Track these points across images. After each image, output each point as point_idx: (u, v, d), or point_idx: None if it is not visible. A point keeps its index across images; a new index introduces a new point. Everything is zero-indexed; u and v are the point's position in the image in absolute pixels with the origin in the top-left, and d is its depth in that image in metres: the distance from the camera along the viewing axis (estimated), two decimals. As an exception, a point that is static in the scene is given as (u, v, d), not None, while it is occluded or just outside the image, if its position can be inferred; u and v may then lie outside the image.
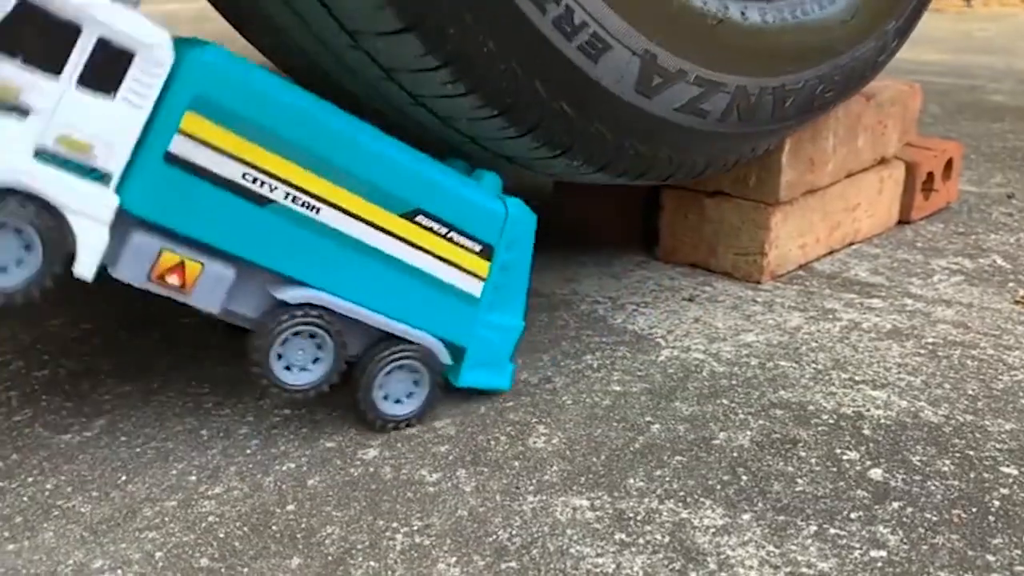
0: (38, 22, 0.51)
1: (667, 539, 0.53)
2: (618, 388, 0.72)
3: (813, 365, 0.77)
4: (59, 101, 0.52)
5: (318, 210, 0.59)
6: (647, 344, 0.81)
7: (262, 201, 0.58)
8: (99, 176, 0.54)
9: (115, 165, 0.54)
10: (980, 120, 1.85)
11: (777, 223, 0.94)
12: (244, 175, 0.57)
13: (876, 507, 0.57)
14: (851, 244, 1.08)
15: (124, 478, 0.62)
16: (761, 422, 0.67)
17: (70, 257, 0.55)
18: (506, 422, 0.68)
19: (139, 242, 0.56)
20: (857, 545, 0.54)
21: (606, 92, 0.68)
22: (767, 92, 0.78)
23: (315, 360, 0.62)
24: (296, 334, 0.61)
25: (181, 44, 0.55)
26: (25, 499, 0.60)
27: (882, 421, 0.68)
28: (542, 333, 0.84)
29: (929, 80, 2.26)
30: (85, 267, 0.54)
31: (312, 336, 0.62)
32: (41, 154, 0.52)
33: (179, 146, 0.55)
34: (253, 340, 0.61)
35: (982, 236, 1.14)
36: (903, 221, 1.17)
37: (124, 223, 0.55)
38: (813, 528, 0.55)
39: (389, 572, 0.51)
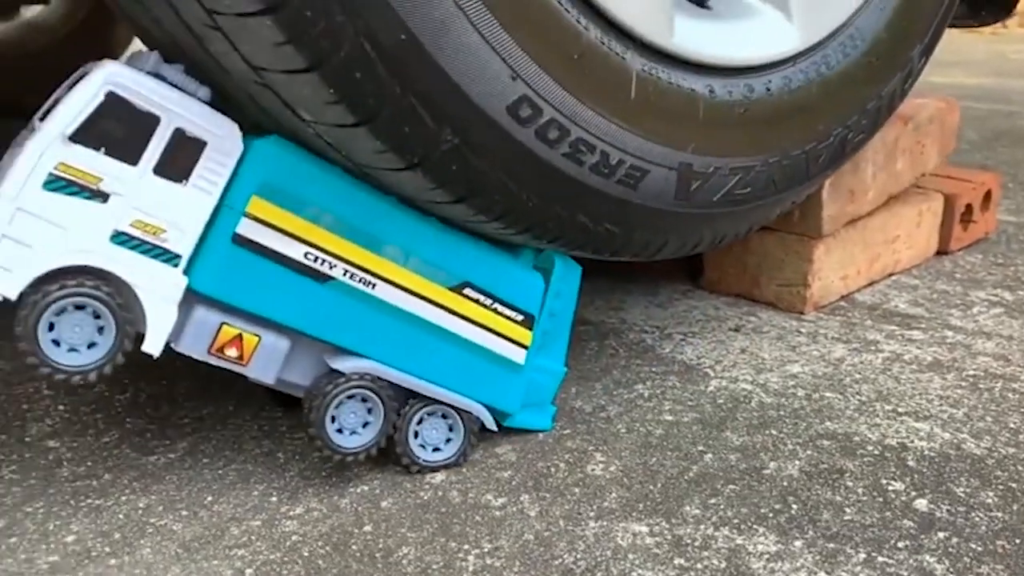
0: (121, 114, 0.56)
1: (724, 564, 0.56)
2: (670, 417, 0.76)
3: (857, 397, 0.80)
4: (136, 188, 0.56)
5: (374, 285, 0.64)
6: (696, 374, 0.84)
7: (323, 278, 0.62)
8: (170, 257, 0.58)
9: (185, 247, 0.58)
10: (1018, 147, 1.86)
11: (820, 256, 0.97)
12: (306, 254, 0.62)
13: (922, 537, 0.60)
14: (891, 275, 1.10)
15: (210, 498, 0.66)
16: (809, 452, 0.70)
17: (140, 336, 0.59)
18: (564, 449, 0.72)
19: (201, 317, 0.60)
20: (905, 573, 0.56)
21: (644, 207, 0.70)
22: (799, 156, 0.80)
23: (365, 424, 0.66)
24: (350, 397, 0.65)
25: (247, 134, 0.60)
26: (120, 516, 0.65)
27: (926, 453, 0.71)
28: (593, 361, 0.88)
29: (966, 105, 2.27)
30: (154, 344, 0.59)
31: (364, 400, 0.65)
32: (117, 237, 0.57)
33: (246, 228, 0.59)
34: (308, 404, 0.65)
35: (1021, 267, 1.16)
36: (942, 252, 1.19)
37: (188, 300, 0.60)
38: (862, 556, 0.58)
39: (464, 591, 0.55)
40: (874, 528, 0.61)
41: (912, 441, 0.72)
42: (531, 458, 0.70)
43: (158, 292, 0.57)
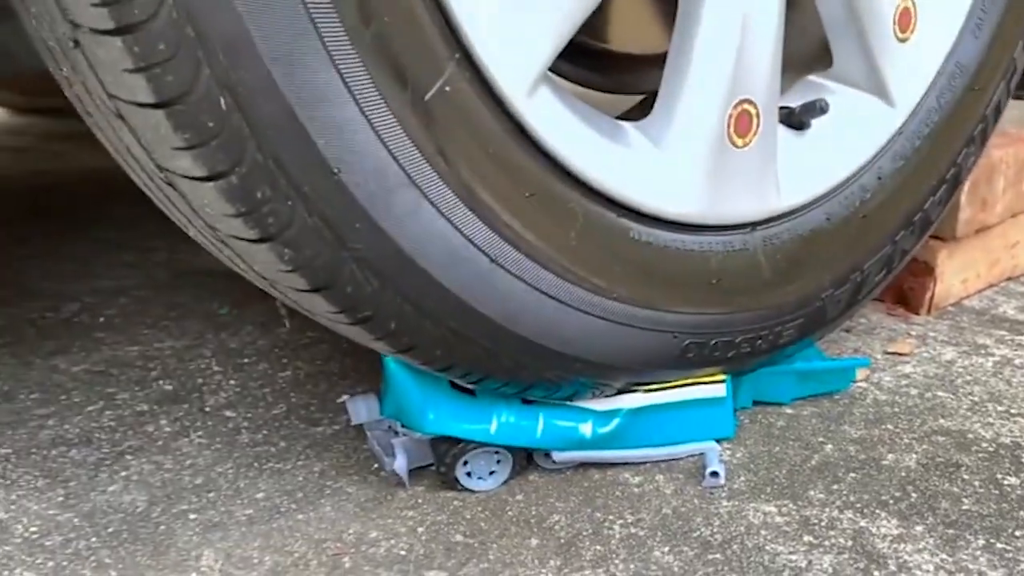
0: None
1: (850, 543, 0.62)
2: (790, 411, 0.81)
3: (969, 397, 0.84)
4: None
5: None
6: (810, 371, 0.89)
7: None
8: None
9: None
10: None
11: (944, 259, 1.01)
12: None
13: (1038, 529, 0.64)
14: (1008, 279, 1.12)
15: (375, 466, 0.75)
16: (925, 447, 0.75)
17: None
18: (690, 436, 0.78)
19: None
20: (1023, 559, 0.61)
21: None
22: (856, 276, 0.82)
23: (491, 472, 0.71)
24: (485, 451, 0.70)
25: None
26: (300, 479, 0.74)
27: (1040, 452, 0.74)
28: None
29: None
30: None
31: (496, 452, 0.71)
32: None
33: None
34: (446, 449, 0.70)
35: None
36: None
37: None
38: (981, 542, 0.62)
39: (613, 555, 0.61)
40: (991, 517, 0.65)
41: (1025, 441, 0.76)
42: (660, 442, 0.77)
43: None
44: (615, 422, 0.70)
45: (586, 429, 0.69)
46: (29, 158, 2.10)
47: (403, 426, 0.71)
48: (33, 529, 0.69)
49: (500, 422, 0.68)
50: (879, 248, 0.82)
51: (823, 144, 0.79)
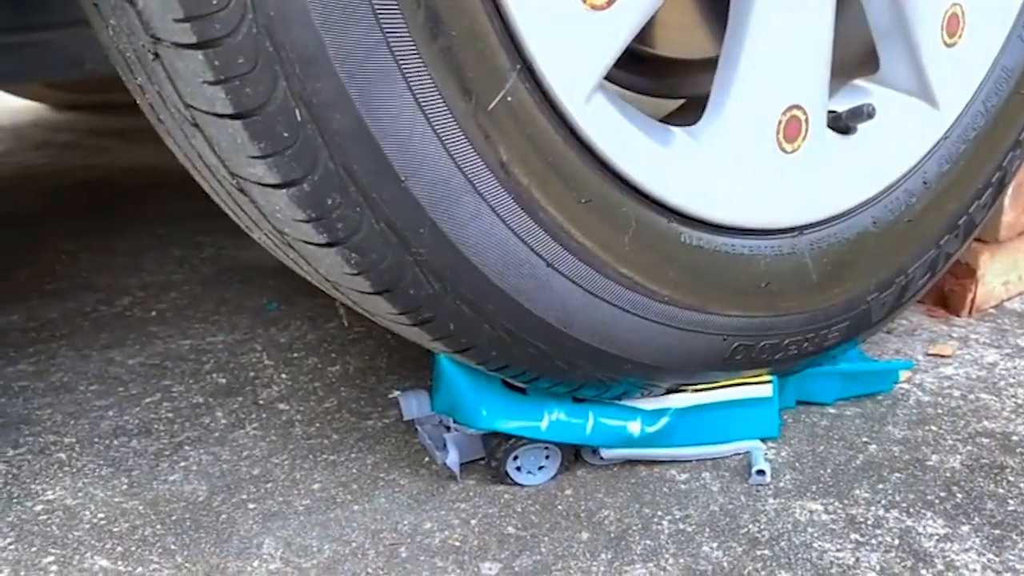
0: None
1: (896, 541, 0.63)
2: (833, 411, 0.82)
3: (1013, 399, 0.84)
4: None
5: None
6: (852, 372, 0.90)
7: None
8: None
9: None
10: None
11: (986, 261, 1.01)
12: None
13: (1082, 531, 0.65)
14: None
15: (426, 459, 0.77)
16: (969, 448, 0.76)
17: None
18: (733, 434, 0.79)
19: None
20: (1066, 562, 0.62)
21: None
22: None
23: (540, 467, 0.73)
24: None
25: None
26: (354, 471, 0.77)
27: (1083, 455, 0.75)
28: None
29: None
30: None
31: (545, 448, 0.73)
32: None
33: None
34: (497, 444, 0.72)
35: None
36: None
37: None
38: (1026, 544, 0.63)
39: (663, 550, 0.63)
40: (1036, 520, 0.66)
41: (1068, 444, 0.76)
42: (704, 440, 0.79)
43: None
44: (663, 421, 0.72)
45: (634, 427, 0.71)
46: (75, 154, 2.15)
47: (455, 422, 0.73)
48: (100, 516, 0.72)
49: (551, 419, 0.70)
50: (924, 252, 0.83)
51: (869, 149, 0.80)
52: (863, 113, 0.78)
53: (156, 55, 0.55)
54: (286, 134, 0.54)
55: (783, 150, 0.73)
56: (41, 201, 1.73)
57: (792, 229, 0.75)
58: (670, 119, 0.81)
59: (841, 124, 0.79)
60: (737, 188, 0.71)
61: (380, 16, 0.53)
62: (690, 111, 0.90)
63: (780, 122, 0.72)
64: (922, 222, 0.82)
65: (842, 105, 0.80)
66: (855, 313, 0.79)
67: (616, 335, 0.66)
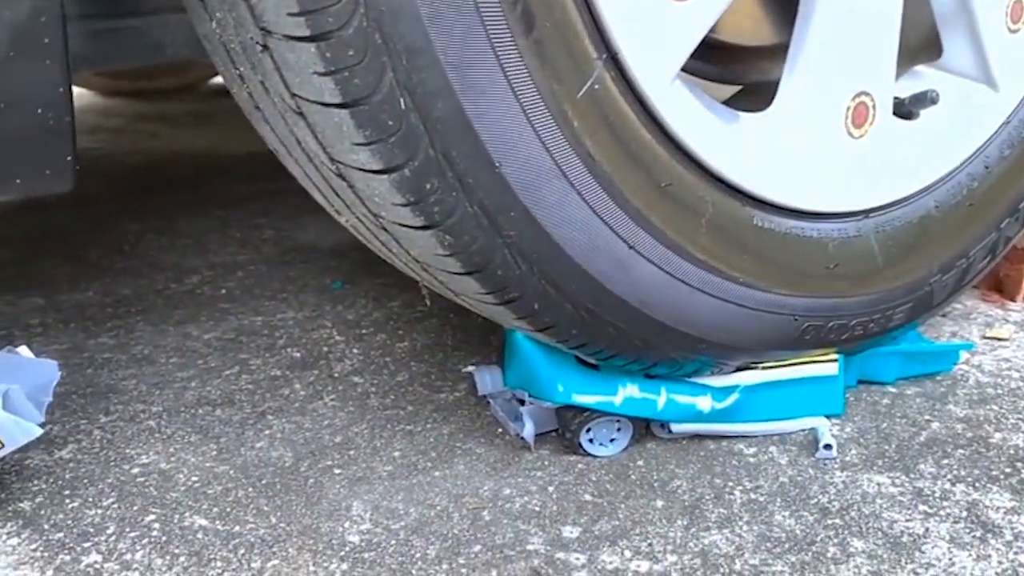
0: None
1: (964, 513, 0.66)
2: (894, 390, 0.85)
3: (1071, 381, 0.86)
4: None
5: None
6: (910, 352, 0.92)
7: None
8: None
9: None
10: None
11: (1044, 245, 1.02)
12: None
13: None
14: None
15: (499, 430, 0.81)
16: (1029, 427, 0.78)
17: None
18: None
19: None
20: None
21: None
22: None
23: (612, 439, 0.76)
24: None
25: None
26: (431, 439, 0.80)
27: None
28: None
29: None
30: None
31: (617, 421, 0.76)
32: None
33: None
34: (571, 417, 0.75)
35: None
36: None
37: None
38: (1089, 518, 0.66)
39: (737, 518, 0.67)
40: (1097, 496, 0.68)
41: None
42: (767, 416, 0.81)
43: None
44: (733, 397, 0.74)
45: (704, 404, 0.74)
46: (126, 138, 2.20)
47: (531, 396, 0.76)
48: (195, 479, 0.77)
49: (625, 395, 0.73)
50: (984, 235, 0.85)
51: (933, 134, 0.82)
52: (927, 99, 0.80)
53: (265, 47, 0.59)
54: (391, 122, 0.57)
55: (851, 135, 0.75)
56: (101, 184, 1.78)
57: (858, 212, 0.77)
58: (731, 105, 0.83)
59: (904, 110, 0.81)
60: (806, 172, 0.73)
61: (482, 10, 0.56)
62: (750, 97, 0.92)
63: (848, 108, 0.74)
64: (983, 206, 0.84)
65: (905, 91, 0.82)
66: (918, 295, 0.81)
67: (692, 315, 0.69)
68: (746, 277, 0.70)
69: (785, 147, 0.72)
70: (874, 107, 0.75)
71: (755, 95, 0.90)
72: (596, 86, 0.61)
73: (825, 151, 0.73)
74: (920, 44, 0.90)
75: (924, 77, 0.85)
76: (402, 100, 0.56)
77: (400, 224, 0.63)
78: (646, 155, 0.65)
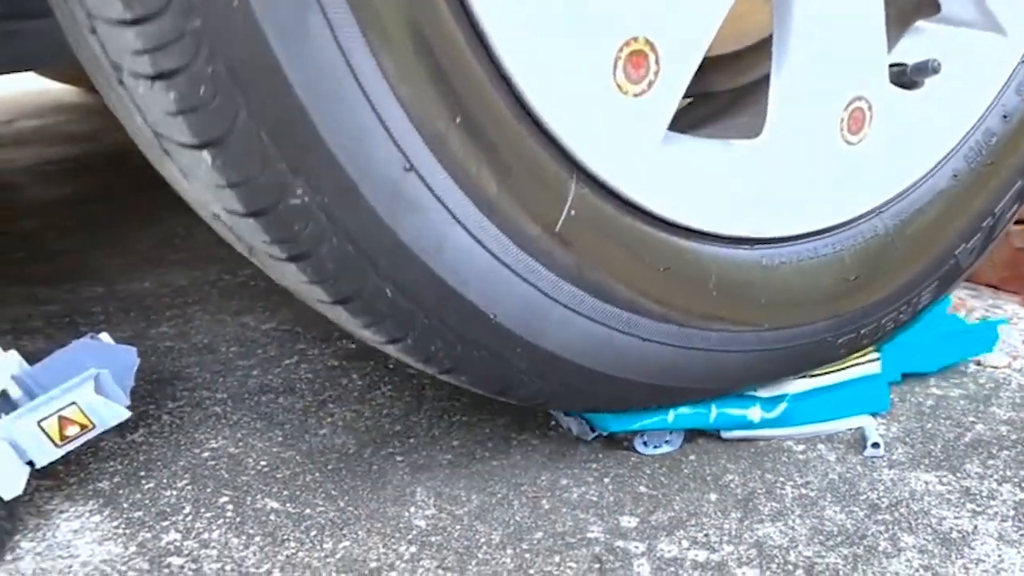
0: None
1: (1012, 512, 0.68)
2: (937, 392, 0.87)
3: (1112, 387, 0.88)
4: None
5: None
6: (952, 356, 0.94)
7: None
8: None
9: None
10: None
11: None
12: None
13: None
14: None
15: (553, 423, 0.84)
16: (1073, 431, 0.80)
17: None
18: (842, 410, 0.84)
19: None
20: None
21: None
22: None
23: (665, 441, 0.79)
24: None
25: None
26: (487, 431, 0.84)
27: None
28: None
29: None
30: None
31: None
32: None
33: None
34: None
35: None
36: None
37: None
38: None
39: (788, 512, 0.69)
40: None
41: None
42: (814, 415, 0.84)
43: None
44: (781, 407, 0.77)
45: (754, 414, 0.77)
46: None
47: (592, 426, 0.78)
48: (263, 463, 0.80)
49: (677, 413, 0.76)
50: (1010, 186, 0.82)
51: (942, 97, 0.78)
52: (928, 68, 0.76)
53: (93, 30, 0.53)
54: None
55: (849, 143, 0.72)
56: (140, 178, 1.83)
57: (871, 212, 0.75)
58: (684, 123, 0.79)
59: (907, 80, 0.77)
60: (810, 196, 0.72)
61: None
62: (700, 109, 0.90)
63: (843, 119, 0.71)
64: (1004, 159, 0.81)
65: (908, 51, 0.78)
66: (944, 270, 0.81)
67: (727, 374, 0.72)
68: (771, 321, 0.71)
69: (781, 178, 0.70)
70: (870, 107, 0.72)
71: (706, 106, 0.90)
72: (573, 211, 0.62)
73: (825, 169, 0.71)
74: (915, 4, 0.84)
75: (928, 33, 0.80)
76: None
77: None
78: (641, 248, 0.65)
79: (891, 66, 0.75)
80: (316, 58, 0.52)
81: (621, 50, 0.60)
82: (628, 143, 0.63)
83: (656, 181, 0.65)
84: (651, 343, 0.68)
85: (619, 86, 0.61)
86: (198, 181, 0.56)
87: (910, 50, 0.79)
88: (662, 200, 0.66)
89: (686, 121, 0.84)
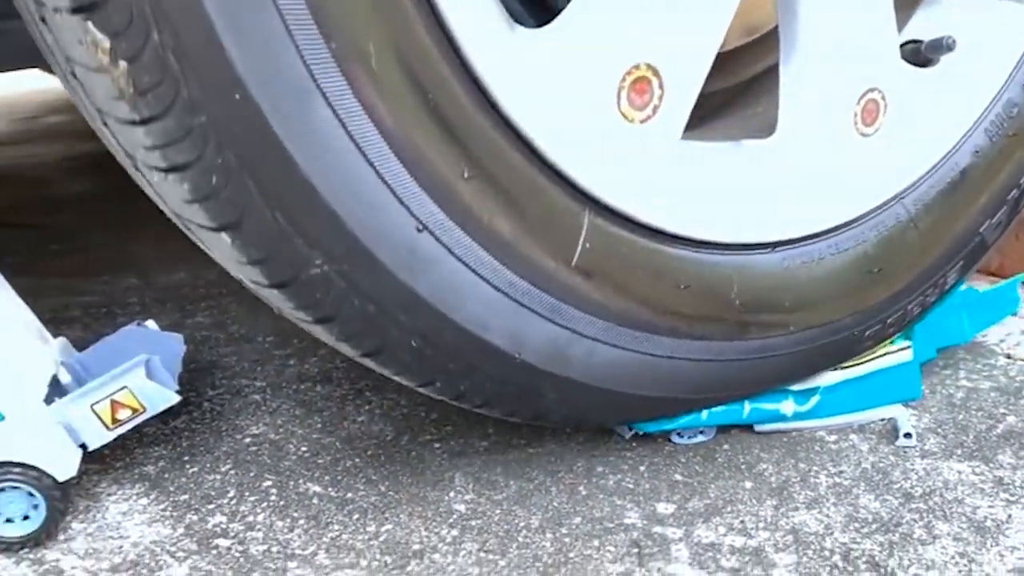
0: None
1: (1045, 502, 0.69)
2: (967, 384, 0.88)
3: None
4: None
5: None
6: (982, 349, 0.95)
7: None
8: None
9: None
10: None
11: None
12: None
13: None
14: None
15: (588, 413, 0.85)
16: (1104, 424, 0.80)
17: None
18: (873, 402, 0.86)
19: None
20: None
21: None
22: None
23: (700, 432, 0.80)
24: None
25: None
26: (524, 428, 0.85)
27: None
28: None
29: None
30: None
31: None
32: None
33: None
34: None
35: None
36: None
37: None
38: None
39: (823, 500, 0.70)
40: None
41: None
42: (845, 407, 0.85)
43: None
44: (814, 400, 0.78)
45: (787, 408, 0.78)
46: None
47: (630, 426, 0.80)
48: (304, 449, 0.82)
49: (711, 410, 0.77)
50: None
51: (961, 76, 0.76)
52: (943, 46, 0.74)
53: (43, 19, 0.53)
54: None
55: (864, 135, 0.72)
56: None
57: (891, 199, 0.75)
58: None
59: (922, 58, 0.76)
60: (826, 192, 0.72)
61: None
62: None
63: (856, 114, 0.71)
64: None
65: (925, 24, 0.76)
66: (970, 248, 0.80)
67: (759, 380, 0.74)
68: (798, 323, 0.72)
69: (800, 178, 0.70)
70: (883, 97, 0.71)
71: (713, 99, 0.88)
72: (588, 243, 0.63)
73: (842, 163, 0.71)
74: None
75: (941, 3, 0.77)
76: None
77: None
78: (658, 272, 0.67)
79: (905, 44, 0.74)
80: (321, 140, 0.53)
81: (624, 79, 0.61)
82: (638, 169, 0.64)
83: (670, 201, 0.66)
84: (677, 360, 0.69)
85: (624, 115, 0.62)
86: (222, 257, 0.59)
87: (924, 24, 0.77)
88: (677, 218, 0.66)
89: (695, 115, 0.85)
